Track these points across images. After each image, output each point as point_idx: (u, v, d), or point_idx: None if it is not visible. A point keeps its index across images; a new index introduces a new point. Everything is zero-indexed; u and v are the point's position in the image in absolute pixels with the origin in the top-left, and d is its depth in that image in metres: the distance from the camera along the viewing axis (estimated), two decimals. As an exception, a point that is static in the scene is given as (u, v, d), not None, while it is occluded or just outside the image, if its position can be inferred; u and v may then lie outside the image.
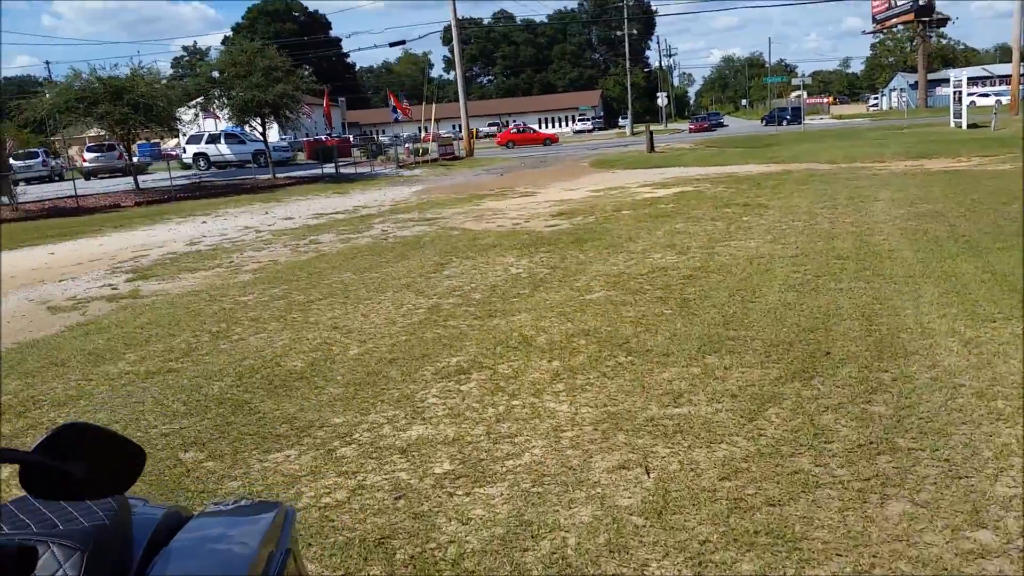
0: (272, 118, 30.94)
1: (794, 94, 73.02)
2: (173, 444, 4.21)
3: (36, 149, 40.69)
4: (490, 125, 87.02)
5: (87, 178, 39.07)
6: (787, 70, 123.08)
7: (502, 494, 3.30)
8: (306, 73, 36.51)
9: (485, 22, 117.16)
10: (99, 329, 7.20)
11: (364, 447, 3.95)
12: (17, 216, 22.04)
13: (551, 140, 56.15)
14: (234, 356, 5.86)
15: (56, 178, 39.40)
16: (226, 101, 29.96)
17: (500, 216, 13.75)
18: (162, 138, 46.28)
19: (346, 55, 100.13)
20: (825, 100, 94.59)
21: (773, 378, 4.49)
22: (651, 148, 32.97)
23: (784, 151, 26.28)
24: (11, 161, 32.32)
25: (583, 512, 3.10)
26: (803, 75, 60.88)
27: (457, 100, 44.13)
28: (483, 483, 3.42)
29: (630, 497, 3.20)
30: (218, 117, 34.33)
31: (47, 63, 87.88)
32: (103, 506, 1.36)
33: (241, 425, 4.41)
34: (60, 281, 10.36)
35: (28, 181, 37.42)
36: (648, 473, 3.40)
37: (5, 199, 23.83)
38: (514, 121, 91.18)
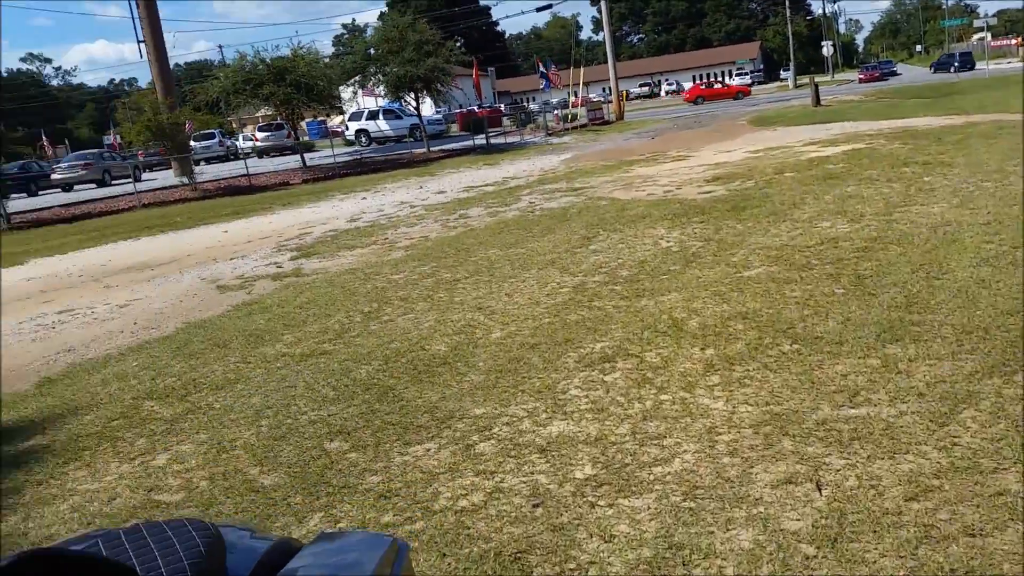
0: (425, 92, 31.50)
1: (976, 36, 65.94)
2: (320, 433, 4.23)
3: (212, 130, 43.79)
4: (641, 86, 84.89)
5: (259, 156, 41.66)
6: (967, 11, 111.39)
7: (649, 508, 3.02)
8: (456, 45, 36.83)
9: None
10: (261, 309, 7.48)
11: (503, 443, 3.78)
12: (195, 195, 23.76)
13: (743, 93, 52.74)
14: (383, 338, 5.88)
15: (232, 157, 42.28)
16: (381, 78, 30.82)
17: (650, 183, 13.22)
18: (328, 116, 48.53)
19: (495, 23, 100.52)
20: (1013, 42, 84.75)
21: (967, 373, 3.90)
22: (816, 102, 30.81)
23: (967, 101, 23.72)
24: (191, 142, 34.92)
25: (743, 536, 2.76)
26: (986, 15, 54.75)
27: (606, 62, 43.19)
28: (628, 493, 3.14)
29: (798, 519, 2.82)
30: (375, 94, 35.42)
31: (220, 47, 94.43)
32: (190, 550, 1.22)
33: (385, 413, 4.37)
34: (231, 259, 10.95)
35: (207, 161, 40.50)
36: (820, 490, 3.00)
37: (185, 179, 25.77)
38: (666, 80, 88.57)
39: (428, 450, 3.83)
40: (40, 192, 32.58)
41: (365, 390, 4.80)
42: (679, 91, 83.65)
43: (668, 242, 8.07)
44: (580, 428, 3.84)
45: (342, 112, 41.56)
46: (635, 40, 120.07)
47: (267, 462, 3.96)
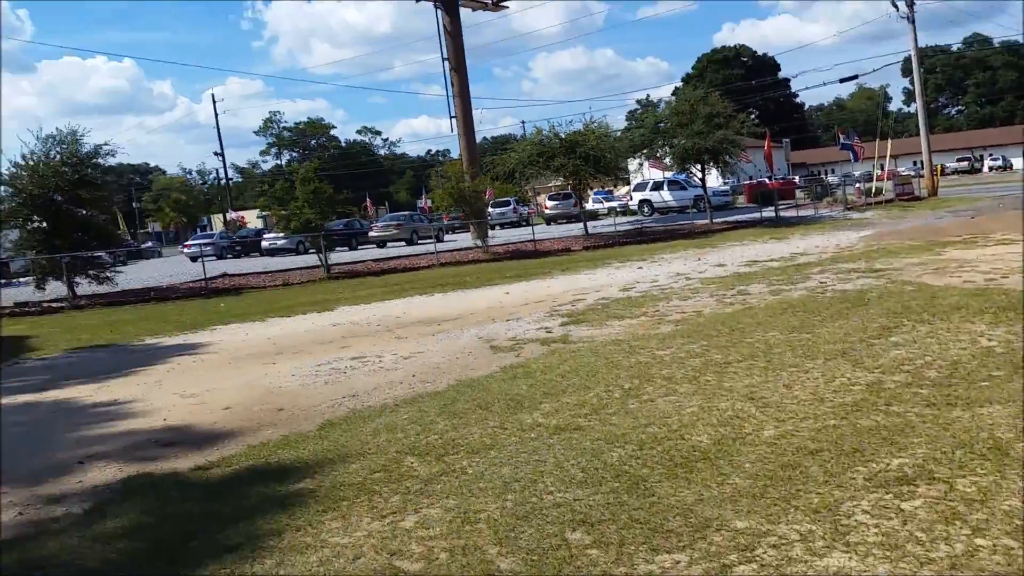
0: (712, 163, 31.09)
1: None
2: (563, 518, 3.97)
3: (509, 198, 46.85)
4: (959, 160, 76.86)
5: (548, 223, 43.79)
6: None
7: None
8: (750, 117, 36.02)
9: (954, 48, 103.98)
10: (526, 373, 7.49)
11: (767, 570, 3.23)
12: (486, 257, 25.29)
13: None
14: (639, 420, 5.52)
15: (523, 223, 44.96)
16: (668, 150, 31.01)
17: (968, 269, 11.51)
18: (615, 186, 49.91)
19: (794, 95, 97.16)
20: None
21: None
22: None
23: None
24: (489, 209, 37.56)
25: None
26: None
27: (918, 134, 39.55)
28: (927, 669, 2.47)
29: None
30: (662, 167, 35.74)
31: (522, 122, 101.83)
32: None
33: (633, 508, 4.00)
34: (507, 321, 11.28)
35: (501, 226, 43.36)
36: None
37: (479, 242, 27.59)
38: (990, 155, 79.15)
39: (677, 562, 3.39)
40: (359, 247, 37.02)
41: (615, 477, 4.46)
42: (1007, 167, 74.38)
43: (990, 340, 6.82)
44: (867, 567, 3.16)
45: (627, 183, 42.37)
46: (953, 112, 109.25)
47: (507, 543, 3.77)
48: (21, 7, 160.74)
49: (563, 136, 28.78)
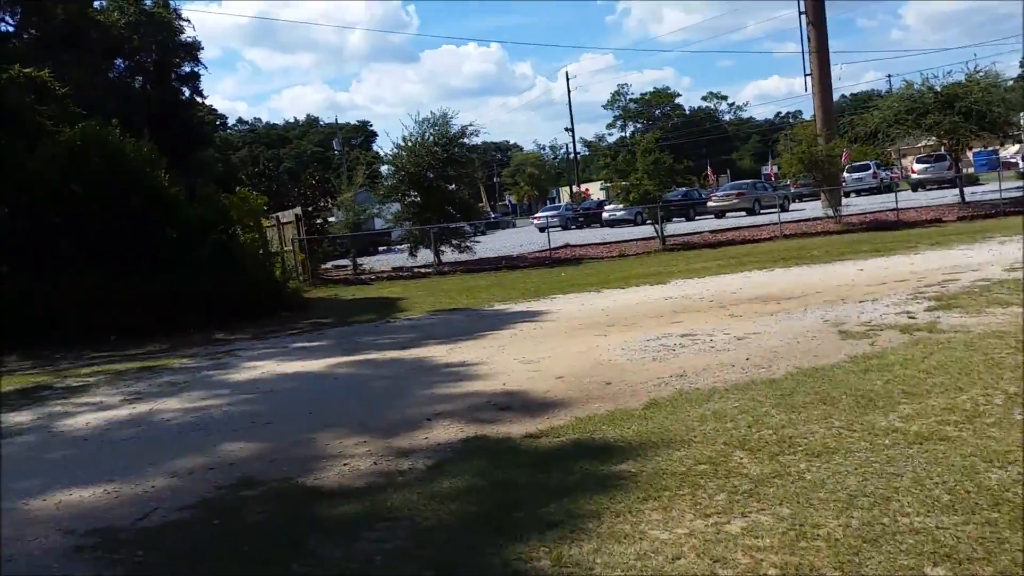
0: None
1: None
2: (922, 549, 3.34)
3: (868, 161, 42.59)
4: None
5: (914, 189, 39.03)
6: None
7: None
8: None
9: None
10: (881, 367, 6.60)
11: None
12: (837, 228, 23.20)
13: None
14: (1031, 435, 4.51)
15: (884, 190, 40.61)
16: (1080, 96, 25.64)
17: None
18: (1002, 144, 42.95)
19: None
20: None
21: None
22: None
23: None
24: (844, 174, 34.43)
25: None
26: None
27: None
28: None
29: None
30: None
31: (888, 76, 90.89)
32: None
33: (1016, 548, 3.24)
34: (860, 302, 10.15)
35: (857, 193, 39.61)
36: None
37: (830, 211, 25.38)
38: None
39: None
40: (697, 217, 36.35)
41: (993, 505, 3.66)
42: None
43: None
44: None
45: (1020, 141, 35.93)
46: None
47: (849, 568, 3.27)
48: (409, 4, 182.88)
49: (939, 89, 25.16)
